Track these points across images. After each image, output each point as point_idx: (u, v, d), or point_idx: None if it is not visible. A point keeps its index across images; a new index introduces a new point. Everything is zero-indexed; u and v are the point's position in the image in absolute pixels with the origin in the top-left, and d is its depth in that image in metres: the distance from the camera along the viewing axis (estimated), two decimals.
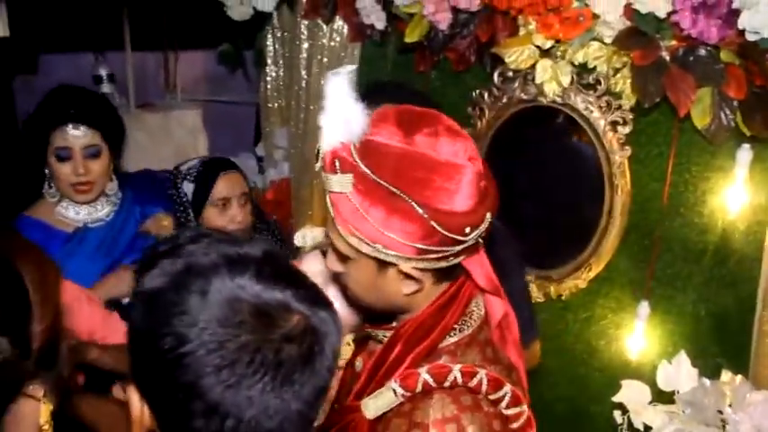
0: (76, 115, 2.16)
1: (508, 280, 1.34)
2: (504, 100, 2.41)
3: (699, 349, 2.13)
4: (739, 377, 1.95)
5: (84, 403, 1.62)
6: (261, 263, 0.93)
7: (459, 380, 1.18)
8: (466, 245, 1.14)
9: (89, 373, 1.88)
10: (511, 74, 2.36)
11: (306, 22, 2.98)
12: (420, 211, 1.09)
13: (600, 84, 2.18)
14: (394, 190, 1.09)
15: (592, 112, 2.22)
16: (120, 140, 2.32)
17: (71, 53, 3.77)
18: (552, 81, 2.22)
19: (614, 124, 2.20)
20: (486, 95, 2.45)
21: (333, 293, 1.33)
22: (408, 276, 1.17)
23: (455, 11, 2.38)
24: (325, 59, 2.94)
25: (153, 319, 0.91)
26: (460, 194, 1.11)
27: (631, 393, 2.07)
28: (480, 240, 1.19)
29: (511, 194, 2.57)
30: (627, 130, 2.18)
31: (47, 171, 2.22)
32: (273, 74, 3.20)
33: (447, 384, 1.18)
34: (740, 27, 1.78)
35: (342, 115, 1.11)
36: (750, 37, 1.78)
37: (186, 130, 3.65)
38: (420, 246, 1.11)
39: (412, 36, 2.50)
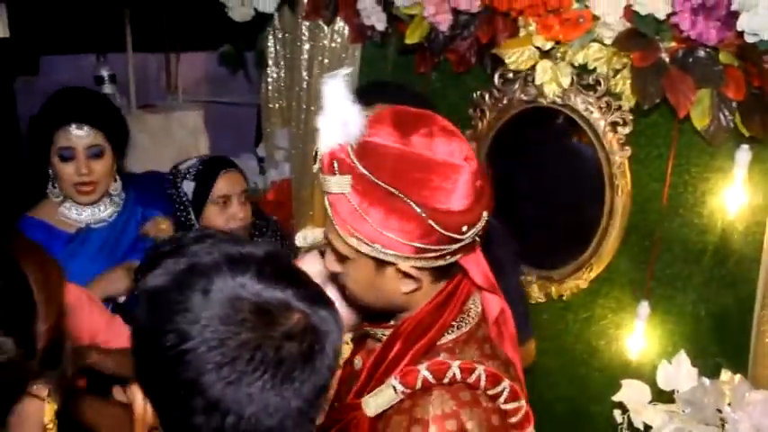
0: (80, 115, 2.18)
1: (504, 278, 1.36)
2: (505, 101, 2.42)
3: (698, 349, 2.13)
4: (738, 377, 1.95)
5: (85, 405, 1.63)
6: (262, 262, 0.94)
7: (458, 376, 1.20)
8: (463, 243, 1.16)
9: (90, 377, 1.89)
10: (511, 75, 2.37)
11: (307, 24, 3.00)
12: (418, 210, 1.11)
13: (600, 85, 2.19)
14: (392, 190, 1.11)
15: (592, 112, 2.23)
16: (124, 141, 2.33)
17: (72, 54, 3.79)
18: (552, 82, 2.23)
19: (614, 125, 2.21)
20: (486, 97, 2.46)
21: (331, 293, 1.34)
22: (407, 275, 1.19)
23: (455, 12, 2.39)
24: (326, 60, 2.94)
25: (156, 316, 0.92)
26: (457, 194, 1.13)
27: (631, 393, 2.07)
28: (477, 239, 1.20)
29: (512, 195, 2.62)
30: (627, 130, 2.19)
31: (50, 171, 2.23)
32: (274, 75, 3.21)
33: (446, 381, 1.20)
34: (739, 29, 1.79)
35: (339, 117, 1.13)
36: (749, 39, 1.79)
37: (187, 131, 3.66)
38: (418, 245, 1.13)
39: (412, 37, 2.51)
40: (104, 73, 3.58)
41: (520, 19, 2.25)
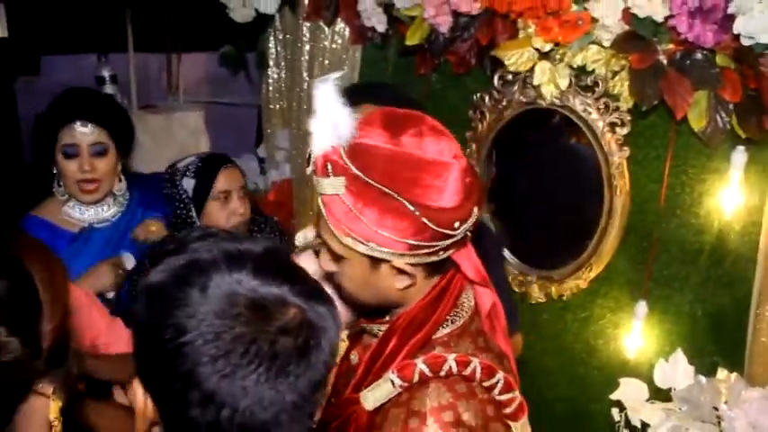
0: (84, 113, 2.20)
1: (489, 272, 1.38)
2: (504, 103, 2.44)
3: (695, 348, 2.15)
4: (735, 375, 1.97)
5: (87, 407, 1.64)
6: (260, 259, 0.96)
7: (454, 369, 1.23)
8: (455, 239, 1.19)
9: (88, 381, 1.90)
10: (510, 77, 2.39)
11: (307, 25, 3.01)
12: (411, 208, 1.14)
13: (598, 86, 2.21)
14: (385, 190, 1.14)
15: (590, 113, 2.25)
16: (129, 141, 2.35)
17: (73, 54, 3.79)
18: (550, 83, 2.24)
19: (612, 126, 2.22)
20: (486, 98, 2.47)
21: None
22: (401, 272, 1.21)
23: (455, 14, 2.40)
24: (327, 62, 2.96)
25: (155, 311, 0.94)
26: (448, 191, 1.16)
27: (629, 391, 2.09)
28: (468, 234, 1.23)
29: (513, 196, 2.63)
30: (625, 131, 2.21)
31: (55, 170, 2.25)
32: (275, 76, 3.22)
33: (442, 374, 1.23)
34: (735, 32, 1.81)
35: (330, 120, 1.15)
36: (745, 42, 1.81)
37: (188, 132, 3.67)
38: (412, 242, 1.16)
39: (413, 39, 2.52)
40: (105, 73, 3.59)
41: (519, 21, 2.27)
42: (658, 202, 2.20)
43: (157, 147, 3.49)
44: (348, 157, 1.15)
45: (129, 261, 2.27)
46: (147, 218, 2.37)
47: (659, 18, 1.95)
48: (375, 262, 1.20)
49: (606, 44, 2.11)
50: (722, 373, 2.00)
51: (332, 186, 1.16)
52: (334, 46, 2.94)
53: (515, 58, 2.27)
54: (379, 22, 2.64)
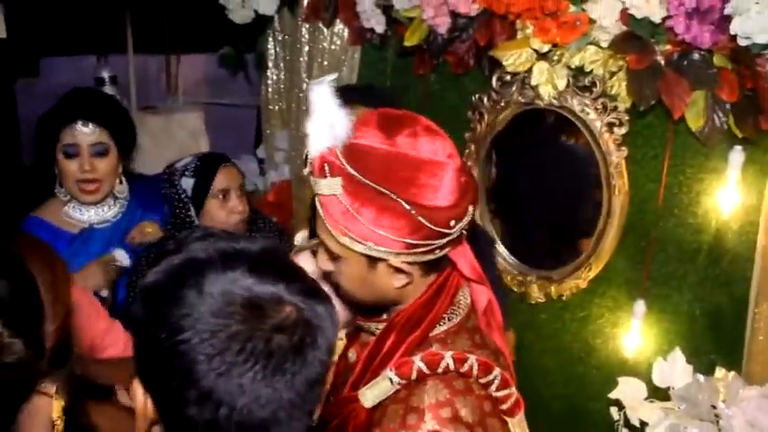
0: (86, 113, 2.21)
1: (483, 270, 1.39)
2: (503, 103, 2.44)
3: (693, 347, 2.16)
4: (732, 373, 1.98)
5: (87, 406, 1.64)
6: (256, 258, 0.96)
7: (452, 366, 1.25)
8: (451, 237, 1.21)
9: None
10: (509, 77, 2.40)
11: (306, 26, 3.02)
12: (407, 207, 1.15)
13: (595, 86, 2.22)
14: (382, 190, 1.15)
15: (588, 114, 2.26)
16: (130, 142, 2.36)
17: (73, 56, 3.80)
18: (548, 84, 2.25)
19: (610, 126, 2.23)
20: (484, 99, 2.48)
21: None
22: (398, 270, 1.23)
23: (454, 15, 2.41)
24: (326, 63, 2.97)
25: (153, 310, 0.95)
26: (443, 190, 1.17)
27: (627, 390, 2.10)
28: (464, 232, 1.25)
29: (512, 196, 2.64)
30: (623, 131, 2.22)
31: (56, 170, 2.26)
32: (274, 77, 3.23)
33: (440, 371, 1.25)
34: (732, 32, 1.82)
35: (326, 121, 1.17)
36: (742, 42, 1.82)
37: (188, 133, 3.67)
38: (409, 240, 1.17)
39: (411, 40, 2.53)
40: (105, 74, 3.58)
41: (517, 22, 2.28)
42: (656, 202, 2.21)
43: (157, 148, 3.49)
44: (344, 157, 1.17)
45: (122, 258, 2.28)
46: (143, 220, 2.38)
47: (657, 19, 1.96)
48: (372, 261, 1.22)
49: (604, 45, 2.12)
50: (720, 371, 2.01)
51: (329, 187, 1.18)
52: (333, 47, 2.95)
53: (513, 58, 2.28)
54: (377, 23, 2.65)
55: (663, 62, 2.03)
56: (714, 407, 1.91)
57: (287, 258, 1.06)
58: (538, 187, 2.62)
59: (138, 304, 0.98)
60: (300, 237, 1.79)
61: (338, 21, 2.89)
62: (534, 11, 2.17)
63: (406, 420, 1.21)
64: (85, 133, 2.21)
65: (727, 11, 1.83)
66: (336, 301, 1.35)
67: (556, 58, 2.24)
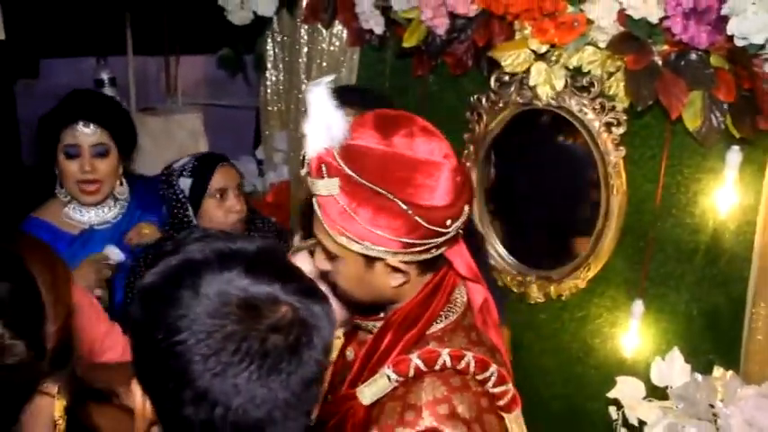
0: (87, 114, 2.22)
1: (479, 269, 1.40)
2: (501, 104, 2.45)
3: (691, 346, 2.17)
4: (730, 373, 1.98)
5: (89, 407, 1.65)
6: (253, 258, 0.97)
7: (449, 363, 1.26)
8: (447, 236, 1.22)
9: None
10: (507, 78, 2.40)
11: (305, 27, 3.03)
12: (404, 207, 1.16)
13: (593, 86, 2.22)
14: (379, 190, 1.16)
15: (586, 114, 2.26)
16: (131, 143, 2.37)
17: (72, 57, 3.81)
18: (546, 84, 2.26)
19: (609, 125, 2.24)
20: (483, 100, 2.49)
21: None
22: (395, 269, 1.24)
23: (452, 16, 2.41)
24: (325, 64, 2.98)
25: (150, 311, 0.95)
26: (440, 190, 1.19)
27: (626, 389, 2.10)
28: (460, 232, 1.26)
29: (511, 197, 2.65)
30: (621, 130, 2.22)
31: (56, 171, 2.27)
32: (273, 78, 3.24)
33: (437, 368, 1.26)
34: (729, 33, 1.83)
35: (323, 122, 1.18)
36: (738, 42, 1.83)
37: (187, 134, 3.67)
38: (406, 240, 1.18)
39: (410, 41, 2.54)
40: (104, 76, 3.58)
41: (516, 22, 2.28)
42: (654, 202, 2.22)
43: (157, 149, 3.49)
44: (342, 158, 1.18)
45: (114, 254, 2.28)
46: (141, 221, 2.39)
47: (654, 19, 1.97)
48: (369, 260, 1.23)
49: (602, 45, 2.13)
50: (718, 370, 2.01)
51: (326, 187, 1.19)
52: (331, 48, 2.95)
53: (512, 59, 2.29)
54: (376, 24, 2.65)
55: (660, 62, 2.04)
56: (712, 406, 1.92)
57: (284, 258, 1.06)
58: (537, 187, 2.62)
59: (136, 305, 0.98)
60: (299, 237, 1.79)
61: (337, 22, 2.89)
62: (532, 11, 2.18)
63: (403, 417, 1.22)
64: (86, 134, 2.22)
65: (724, 11, 1.84)
66: (334, 301, 1.37)
67: (554, 58, 2.24)
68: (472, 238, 1.74)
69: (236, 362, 0.89)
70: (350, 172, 1.17)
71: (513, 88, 2.40)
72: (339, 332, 1.46)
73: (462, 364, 1.26)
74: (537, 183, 2.62)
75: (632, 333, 2.30)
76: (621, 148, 2.24)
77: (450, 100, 2.62)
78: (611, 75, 2.19)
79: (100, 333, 1.89)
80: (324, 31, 2.94)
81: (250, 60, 3.46)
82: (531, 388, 2.35)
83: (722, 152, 2.05)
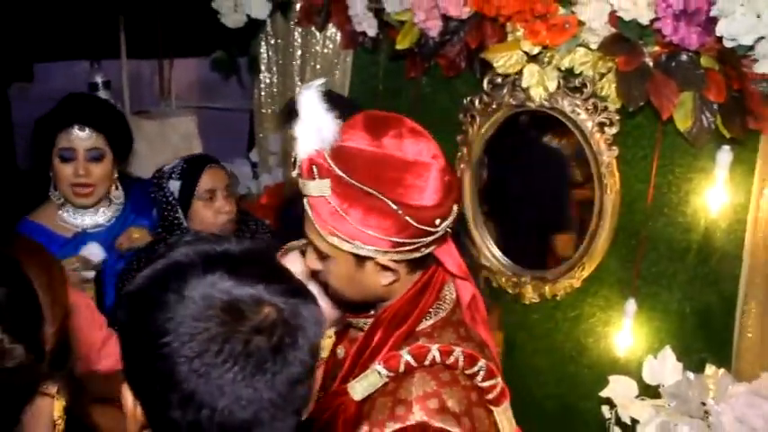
0: (83, 117, 2.22)
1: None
2: (494, 105, 2.46)
3: (683, 345, 2.18)
4: (722, 371, 2.00)
5: (88, 407, 1.65)
6: (237, 260, 0.97)
7: (438, 358, 1.28)
8: (436, 236, 1.24)
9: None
10: (500, 80, 2.41)
11: (299, 30, 3.04)
12: (394, 207, 1.18)
13: (586, 87, 2.24)
14: (369, 190, 1.18)
15: (579, 114, 2.27)
16: (125, 147, 2.37)
17: (66, 61, 3.81)
18: (539, 86, 2.27)
19: (601, 125, 2.25)
20: (476, 101, 2.50)
21: (312, 291, 1.40)
22: (385, 268, 1.26)
23: (445, 18, 2.43)
24: (318, 66, 2.99)
25: (137, 314, 0.96)
26: (429, 190, 1.21)
27: (619, 388, 2.12)
28: (449, 231, 1.28)
29: (505, 198, 2.66)
30: (614, 130, 2.24)
31: (51, 174, 2.27)
32: (267, 80, 3.25)
33: (427, 363, 1.27)
34: (718, 34, 1.85)
35: (314, 124, 1.20)
36: (728, 44, 1.85)
37: (181, 137, 3.67)
38: (396, 239, 1.20)
39: (403, 43, 2.55)
40: (98, 79, 3.58)
41: (508, 24, 2.30)
42: (646, 202, 2.23)
43: (152, 152, 3.49)
44: (332, 159, 1.20)
45: (94, 254, 2.28)
46: (134, 224, 2.39)
47: (645, 21, 1.99)
48: (360, 259, 1.24)
49: (593, 47, 2.14)
50: (710, 369, 2.03)
51: (317, 188, 1.21)
52: (325, 51, 2.97)
53: (504, 60, 2.30)
54: (369, 26, 2.67)
55: (651, 63, 2.05)
56: (704, 404, 1.93)
57: (272, 259, 1.06)
58: (530, 188, 2.64)
59: (123, 309, 0.99)
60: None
61: (330, 25, 2.91)
62: (524, 13, 2.19)
63: (394, 412, 1.24)
64: (82, 138, 2.22)
65: (713, 13, 1.85)
66: (325, 300, 1.38)
67: (546, 60, 2.26)
68: (464, 237, 1.76)
69: (220, 363, 0.89)
70: (341, 173, 1.19)
71: (505, 90, 2.41)
72: (330, 331, 1.47)
73: (451, 360, 1.28)
74: (530, 183, 2.63)
75: (625, 332, 2.31)
76: (614, 147, 2.25)
77: (444, 102, 2.63)
78: (602, 76, 2.21)
79: (97, 338, 1.89)
80: (317, 33, 2.96)
81: (244, 63, 3.46)
82: (525, 388, 2.37)
83: (713, 152, 2.07)
